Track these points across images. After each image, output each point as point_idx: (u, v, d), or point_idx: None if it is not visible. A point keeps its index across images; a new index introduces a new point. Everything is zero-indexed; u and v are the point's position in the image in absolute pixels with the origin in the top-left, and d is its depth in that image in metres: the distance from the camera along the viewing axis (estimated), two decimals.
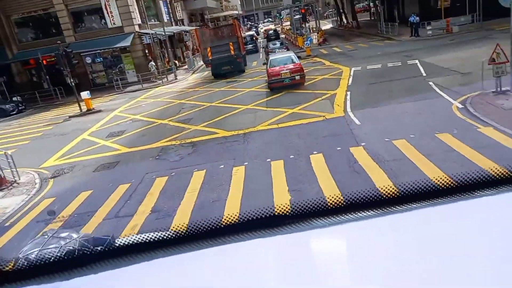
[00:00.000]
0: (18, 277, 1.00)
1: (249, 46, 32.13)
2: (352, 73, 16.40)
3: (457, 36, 22.04)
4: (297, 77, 15.12)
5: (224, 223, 1.04)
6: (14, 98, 24.13)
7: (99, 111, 18.30)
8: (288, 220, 1.00)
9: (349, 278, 0.86)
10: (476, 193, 1.00)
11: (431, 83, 12.58)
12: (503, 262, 0.80)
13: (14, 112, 22.75)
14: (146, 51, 28.32)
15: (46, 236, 4.12)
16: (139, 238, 1.02)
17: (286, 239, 0.98)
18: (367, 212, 0.99)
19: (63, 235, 4.14)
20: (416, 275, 0.80)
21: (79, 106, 18.34)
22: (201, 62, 33.16)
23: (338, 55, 23.46)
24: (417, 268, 0.82)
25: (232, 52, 21.57)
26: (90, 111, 18.08)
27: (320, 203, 1.02)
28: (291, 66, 15.29)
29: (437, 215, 0.99)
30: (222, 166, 8.85)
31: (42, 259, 1.02)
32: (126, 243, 1.03)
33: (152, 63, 26.32)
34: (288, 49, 22.79)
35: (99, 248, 1.03)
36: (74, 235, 4.15)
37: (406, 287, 0.77)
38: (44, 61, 23.48)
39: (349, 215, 0.99)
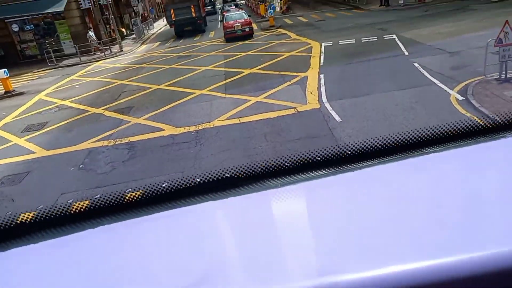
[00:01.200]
0: (25, 232, 0.98)
1: (208, 8, 34.28)
2: (323, 49, 14.29)
3: (431, 7, 20.40)
4: (247, 29, 19.18)
5: (184, 185, 1.04)
6: None
7: (21, 93, 15.00)
8: (241, 182, 1.01)
9: (302, 236, 0.83)
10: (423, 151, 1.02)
11: (416, 64, 10.75)
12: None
13: None
14: (86, 18, 24.46)
15: None
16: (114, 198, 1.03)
17: (241, 200, 0.99)
18: (319, 172, 1.00)
19: None
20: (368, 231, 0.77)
21: None
22: (152, 31, 30.02)
23: (305, 26, 21.18)
24: (369, 224, 0.80)
25: (194, 14, 23.73)
26: (8, 94, 14.78)
27: (274, 164, 1.02)
28: (242, 20, 19.32)
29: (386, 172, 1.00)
30: (165, 185, 6.58)
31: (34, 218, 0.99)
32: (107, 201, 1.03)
33: (91, 32, 22.64)
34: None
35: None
36: None
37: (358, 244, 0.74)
38: None
39: (302, 175, 1.01)
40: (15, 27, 23.52)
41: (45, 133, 10.31)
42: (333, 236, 0.78)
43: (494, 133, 1.05)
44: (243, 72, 12.85)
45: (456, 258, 0.64)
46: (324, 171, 1.00)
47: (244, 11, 21.04)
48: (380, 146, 1.03)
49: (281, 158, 1.03)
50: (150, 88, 12.99)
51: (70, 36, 23.41)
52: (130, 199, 1.04)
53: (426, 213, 0.81)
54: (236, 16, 20.04)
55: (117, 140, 8.94)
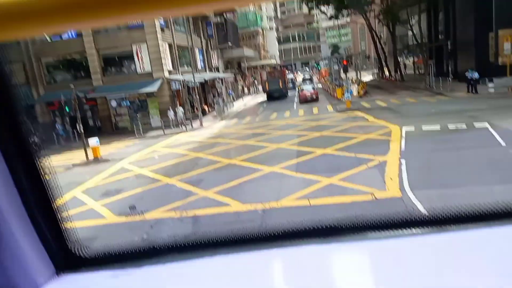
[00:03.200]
0: (95, 263, 1.17)
1: (289, 84, 43.95)
2: (404, 134, 13.46)
3: None
4: (314, 96, 29.90)
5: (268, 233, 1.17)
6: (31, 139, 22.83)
7: (106, 160, 16.22)
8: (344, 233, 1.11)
9: None
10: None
11: None
12: None
13: None
14: (175, 97, 26.91)
15: None
16: (203, 238, 1.19)
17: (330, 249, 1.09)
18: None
19: None
20: None
21: (86, 154, 16.39)
22: (232, 109, 31.97)
23: (383, 110, 20.65)
24: None
25: (280, 86, 35.70)
26: (96, 160, 16.06)
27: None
28: (311, 91, 30.33)
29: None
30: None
31: (118, 248, 1.18)
32: (189, 241, 1.19)
33: (177, 108, 24.58)
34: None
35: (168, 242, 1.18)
36: None
37: None
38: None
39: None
40: (113, 103, 26.58)
41: (117, 200, 10.61)
42: None
43: None
44: (315, 152, 12.46)
45: None
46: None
47: (313, 85, 33.25)
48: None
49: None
50: (221, 162, 13.11)
51: (158, 111, 25.67)
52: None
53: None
54: (309, 87, 31.00)
55: (183, 212, 8.78)
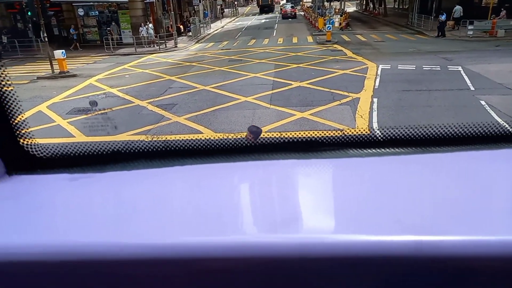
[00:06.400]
0: (52, 165, 1.06)
1: (275, 5, 57.32)
2: (379, 72, 13.51)
3: (503, 42, 18.93)
4: (292, 14, 39.23)
5: (256, 142, 1.12)
6: None
7: (74, 75, 15.45)
8: (324, 147, 1.10)
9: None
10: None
11: (483, 102, 9.78)
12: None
13: None
14: (148, 10, 25.13)
15: None
16: (175, 144, 1.10)
17: (317, 163, 1.08)
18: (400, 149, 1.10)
19: None
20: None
21: (51, 66, 15.47)
22: (208, 31, 30.64)
23: (363, 45, 20.38)
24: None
25: (269, 2, 53.41)
26: (62, 74, 15.25)
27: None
28: (290, 9, 39.71)
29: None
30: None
31: (78, 151, 1.08)
32: (162, 146, 1.10)
33: (146, 26, 23.09)
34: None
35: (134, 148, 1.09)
36: None
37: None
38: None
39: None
40: (80, 12, 24.59)
41: (87, 118, 10.37)
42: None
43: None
44: (291, 84, 12.39)
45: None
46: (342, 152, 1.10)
47: (293, 5, 41.35)
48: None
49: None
50: (196, 87, 12.85)
51: (130, 26, 24.11)
52: (205, 146, 1.12)
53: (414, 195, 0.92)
54: (288, 7, 40.29)
55: (154, 136, 8.76)
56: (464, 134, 1.12)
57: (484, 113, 9.11)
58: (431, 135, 1.12)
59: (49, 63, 15.54)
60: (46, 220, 0.89)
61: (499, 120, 8.55)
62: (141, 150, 1.11)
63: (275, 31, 29.77)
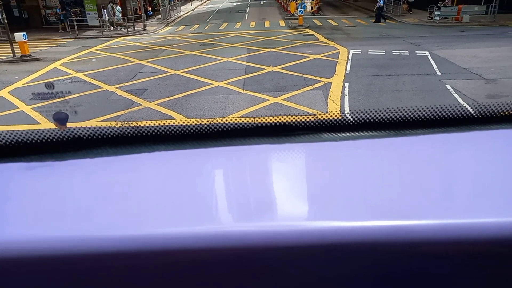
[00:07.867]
0: (5, 153, 0.99)
1: None
2: (350, 57, 13.67)
3: (467, 28, 19.57)
4: None
5: (230, 127, 1.11)
6: None
7: (37, 59, 14.71)
8: (299, 132, 1.11)
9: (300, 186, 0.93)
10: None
11: (448, 86, 10.13)
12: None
13: None
14: None
15: None
16: (144, 129, 1.05)
17: (292, 147, 1.07)
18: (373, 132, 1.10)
19: None
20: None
21: (12, 49, 14.66)
22: (178, 14, 29.82)
23: (334, 30, 20.50)
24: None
25: None
26: (24, 58, 14.49)
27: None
28: None
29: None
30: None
31: (34, 138, 1.00)
32: (130, 132, 1.05)
33: (112, 7, 22.24)
34: None
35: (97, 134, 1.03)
36: None
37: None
38: None
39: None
40: None
41: (52, 104, 9.95)
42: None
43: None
44: (264, 69, 12.34)
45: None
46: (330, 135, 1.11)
47: None
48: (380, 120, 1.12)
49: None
50: (167, 72, 12.57)
51: (95, 8, 23.12)
52: (183, 131, 1.09)
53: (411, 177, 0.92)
54: None
55: (125, 122, 8.53)
56: (433, 117, 1.12)
57: (450, 97, 9.45)
58: (401, 118, 1.12)
59: (9, 46, 14.71)
60: None
61: (463, 103, 8.90)
62: (106, 136, 1.04)
63: (247, 14, 29.43)
